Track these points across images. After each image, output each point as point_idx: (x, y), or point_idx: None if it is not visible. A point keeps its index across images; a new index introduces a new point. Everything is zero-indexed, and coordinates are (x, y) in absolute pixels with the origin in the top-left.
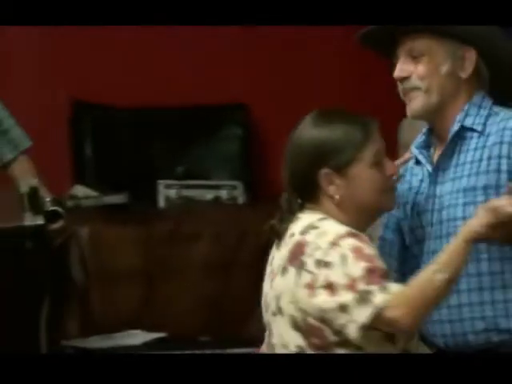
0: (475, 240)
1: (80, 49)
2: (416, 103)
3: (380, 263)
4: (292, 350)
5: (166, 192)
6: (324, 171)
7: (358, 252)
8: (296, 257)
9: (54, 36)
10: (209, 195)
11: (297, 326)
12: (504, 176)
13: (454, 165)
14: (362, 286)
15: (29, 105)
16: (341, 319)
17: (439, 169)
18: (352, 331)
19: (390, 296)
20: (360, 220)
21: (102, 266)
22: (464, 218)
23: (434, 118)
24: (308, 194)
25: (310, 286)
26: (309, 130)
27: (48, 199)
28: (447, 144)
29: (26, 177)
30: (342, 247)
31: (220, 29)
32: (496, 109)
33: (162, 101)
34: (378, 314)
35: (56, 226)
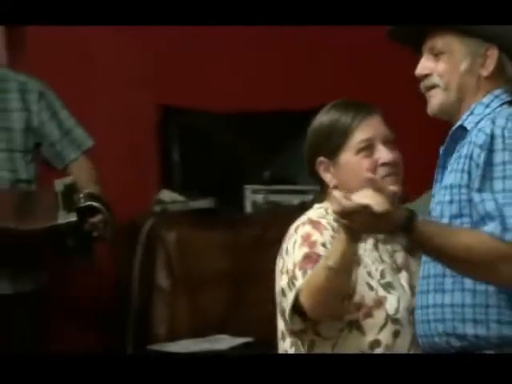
0: (345, 229)
1: (168, 52)
2: (434, 101)
3: (320, 250)
4: (279, 335)
5: (253, 197)
6: (319, 159)
7: (304, 238)
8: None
9: (143, 40)
10: (295, 200)
11: (279, 311)
12: (465, 176)
13: (449, 163)
14: (296, 271)
15: (117, 110)
16: (283, 303)
17: (441, 167)
18: (287, 315)
19: (303, 280)
20: None
21: (189, 270)
22: (436, 217)
23: (453, 115)
24: (319, 184)
25: (281, 271)
26: (313, 121)
27: (82, 195)
28: (448, 142)
29: (83, 177)
30: (297, 234)
31: (308, 33)
32: (500, 108)
33: (249, 105)
34: (297, 298)
35: (94, 220)
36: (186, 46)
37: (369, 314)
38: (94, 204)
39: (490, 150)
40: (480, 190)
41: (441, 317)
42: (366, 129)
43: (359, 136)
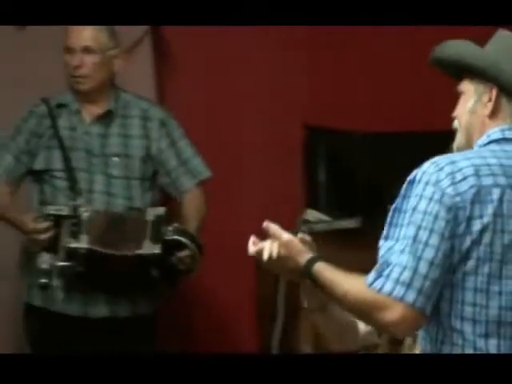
0: None
1: (313, 73)
2: (454, 144)
3: None
4: None
5: None
6: None
7: None
8: None
9: (288, 60)
10: None
11: None
12: None
13: None
14: None
15: (264, 130)
16: None
17: None
18: None
19: None
20: None
21: None
22: None
23: None
24: None
25: None
26: None
27: (170, 228)
28: None
29: (192, 209)
30: None
31: None
32: (483, 148)
33: (394, 126)
34: None
35: (180, 254)
36: (331, 68)
37: None
38: (181, 239)
39: (403, 195)
40: (384, 237)
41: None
42: None
43: None
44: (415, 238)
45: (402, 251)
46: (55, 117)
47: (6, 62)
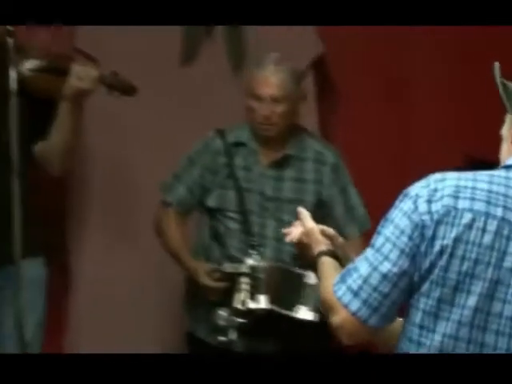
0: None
1: (477, 102)
2: None
3: None
4: None
5: None
6: None
7: None
8: None
9: (450, 92)
10: None
11: None
12: None
13: None
14: None
15: (427, 159)
16: None
17: None
18: None
19: None
20: None
21: None
22: None
23: None
24: None
25: None
26: None
27: None
28: None
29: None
30: None
31: None
32: (478, 172)
33: None
34: None
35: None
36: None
37: None
38: None
39: (394, 206)
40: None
41: None
42: None
43: None
44: (379, 249)
45: (365, 259)
46: (232, 155)
47: (171, 95)
